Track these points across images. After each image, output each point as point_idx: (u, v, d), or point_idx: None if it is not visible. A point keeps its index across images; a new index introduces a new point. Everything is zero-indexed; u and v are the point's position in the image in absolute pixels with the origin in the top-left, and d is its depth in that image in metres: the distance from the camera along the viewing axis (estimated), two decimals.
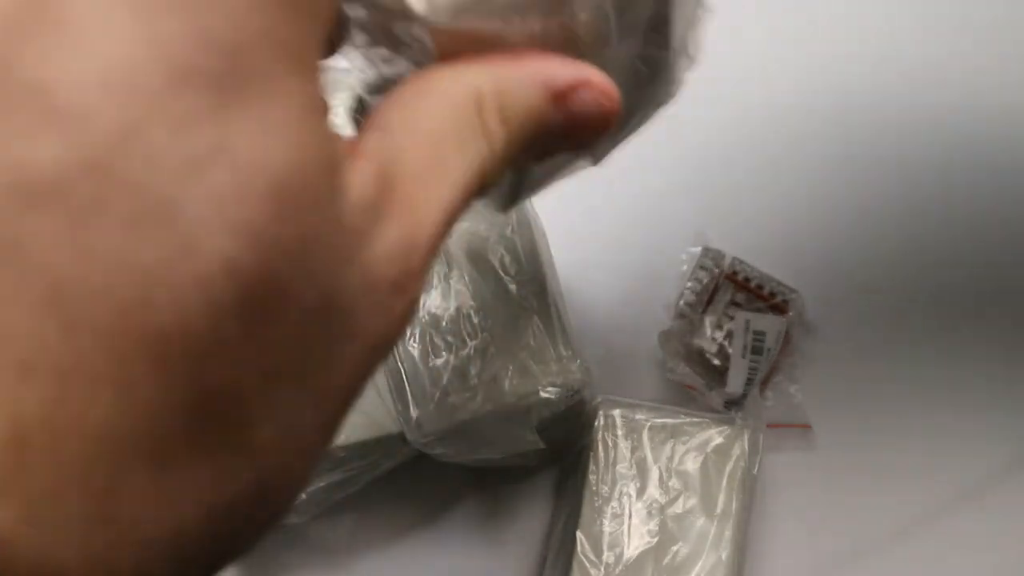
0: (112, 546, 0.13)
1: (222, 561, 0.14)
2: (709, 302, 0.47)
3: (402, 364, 0.39)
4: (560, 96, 0.18)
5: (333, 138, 0.15)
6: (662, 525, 0.41)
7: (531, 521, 0.46)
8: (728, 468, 0.42)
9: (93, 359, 0.12)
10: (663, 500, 0.41)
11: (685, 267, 0.48)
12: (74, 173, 0.12)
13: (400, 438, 0.40)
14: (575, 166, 0.26)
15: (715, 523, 0.41)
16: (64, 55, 0.12)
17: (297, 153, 0.14)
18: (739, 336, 0.46)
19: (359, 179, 0.15)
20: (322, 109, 0.15)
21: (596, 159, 0.26)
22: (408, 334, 0.39)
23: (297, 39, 0.14)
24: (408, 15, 0.18)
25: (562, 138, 0.19)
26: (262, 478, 0.14)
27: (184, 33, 0.13)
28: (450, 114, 0.17)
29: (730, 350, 0.46)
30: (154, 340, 0.12)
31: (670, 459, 0.42)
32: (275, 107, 0.13)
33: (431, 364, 0.39)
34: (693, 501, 0.41)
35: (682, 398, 0.47)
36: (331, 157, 0.15)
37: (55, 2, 0.12)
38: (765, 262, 0.48)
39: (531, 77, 0.18)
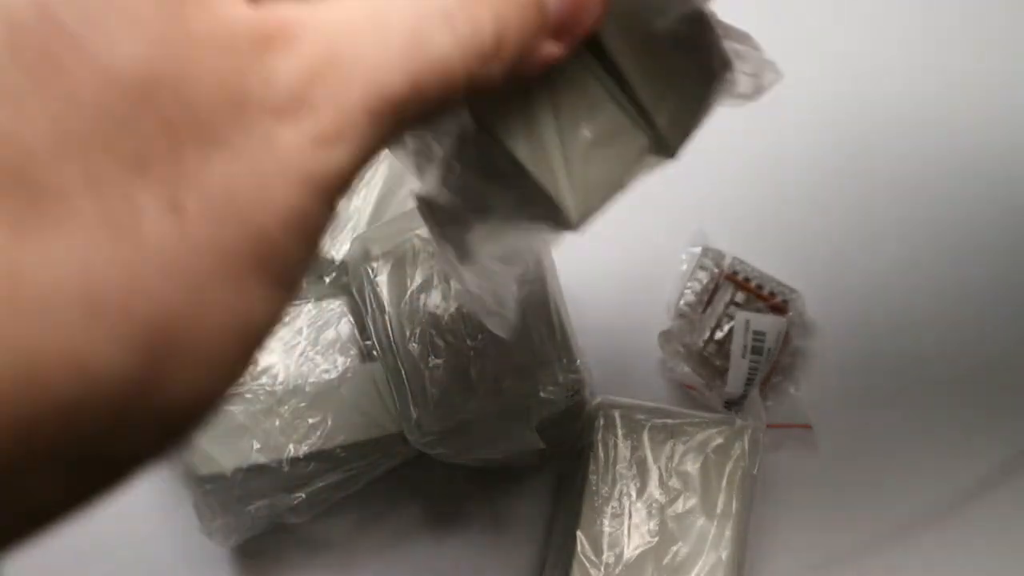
0: None
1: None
2: (709, 302, 0.47)
3: (402, 364, 0.39)
4: None
5: None
6: (662, 525, 0.41)
7: (531, 521, 0.46)
8: (728, 468, 0.42)
9: None
10: (663, 500, 0.41)
11: (685, 267, 0.48)
12: None
13: (400, 438, 0.40)
14: (650, 163, 0.25)
15: (715, 523, 0.41)
16: None
17: None
18: (739, 336, 0.46)
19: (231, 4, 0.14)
20: None
21: (672, 151, 0.25)
22: (408, 334, 0.39)
23: None
24: None
25: None
26: (93, 267, 0.13)
27: None
28: None
29: (730, 350, 0.46)
30: None
31: (670, 459, 0.42)
32: None
33: (431, 364, 0.39)
34: (693, 501, 0.41)
35: (682, 398, 0.47)
36: None
37: None
38: (765, 262, 0.48)
39: None
